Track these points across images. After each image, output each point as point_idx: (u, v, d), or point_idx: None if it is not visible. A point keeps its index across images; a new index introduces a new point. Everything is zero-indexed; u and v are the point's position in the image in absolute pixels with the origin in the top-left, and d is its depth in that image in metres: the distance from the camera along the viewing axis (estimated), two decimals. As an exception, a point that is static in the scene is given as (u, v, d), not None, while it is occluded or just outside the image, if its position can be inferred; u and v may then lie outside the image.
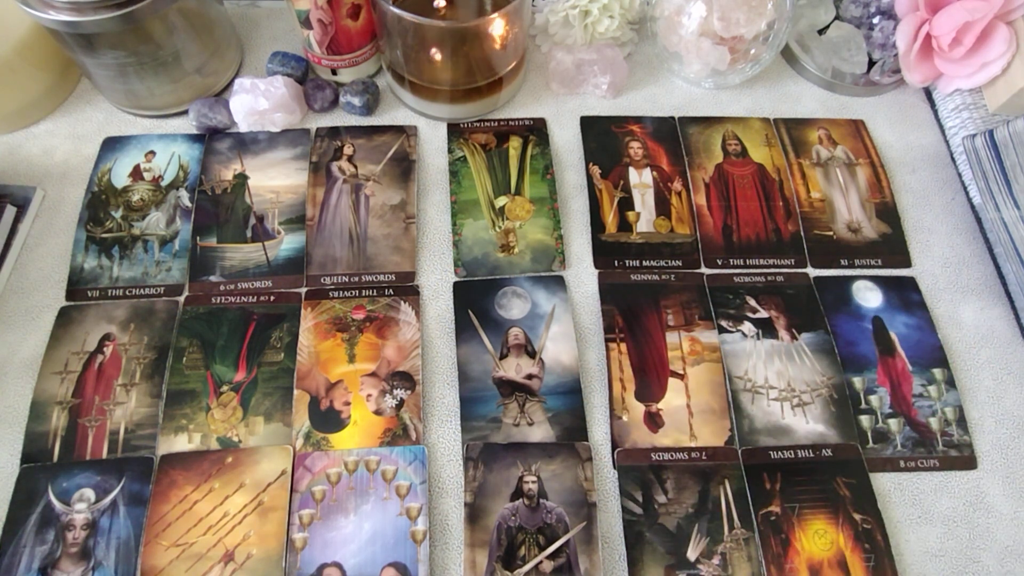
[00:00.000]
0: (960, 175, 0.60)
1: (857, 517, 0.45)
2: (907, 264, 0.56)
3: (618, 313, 0.52)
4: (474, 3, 0.58)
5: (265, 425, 0.47)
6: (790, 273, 0.55)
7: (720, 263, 0.55)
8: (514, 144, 0.59)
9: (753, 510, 0.45)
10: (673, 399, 0.49)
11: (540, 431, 0.47)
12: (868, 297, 0.54)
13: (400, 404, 0.48)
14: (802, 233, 0.57)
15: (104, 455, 0.46)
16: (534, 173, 0.58)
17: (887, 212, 0.58)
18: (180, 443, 0.46)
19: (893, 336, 0.52)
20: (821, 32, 0.65)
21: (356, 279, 0.53)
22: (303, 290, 0.52)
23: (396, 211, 0.55)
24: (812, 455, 0.47)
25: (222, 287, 0.52)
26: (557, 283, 0.53)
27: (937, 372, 0.51)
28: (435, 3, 0.55)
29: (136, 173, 0.56)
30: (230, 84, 0.60)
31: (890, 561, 0.44)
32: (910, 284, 0.55)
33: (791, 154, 0.60)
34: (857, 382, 0.50)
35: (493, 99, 0.59)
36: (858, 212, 0.58)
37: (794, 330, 0.52)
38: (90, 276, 0.52)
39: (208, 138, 0.58)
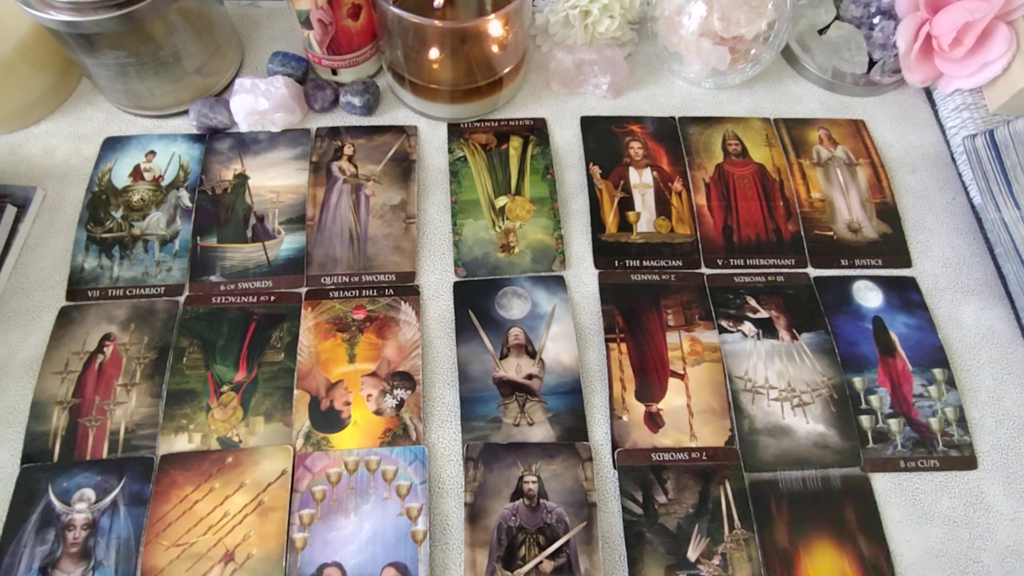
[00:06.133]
0: (960, 175, 0.60)
1: (864, 549, 0.45)
2: (907, 264, 0.56)
3: (618, 313, 0.52)
4: (474, 3, 0.58)
5: (265, 425, 0.47)
6: (790, 273, 0.55)
7: (720, 263, 0.55)
8: (514, 144, 0.59)
9: (759, 543, 0.44)
10: (673, 399, 0.49)
11: (540, 431, 0.47)
12: (868, 297, 0.54)
13: (400, 404, 0.48)
14: (802, 233, 0.57)
15: (104, 455, 0.46)
16: (534, 173, 0.58)
17: (887, 212, 0.58)
18: (180, 443, 0.46)
19: (893, 336, 0.52)
20: (821, 32, 0.65)
21: (356, 279, 0.53)
22: (303, 290, 0.52)
23: (396, 211, 0.55)
24: (820, 486, 0.47)
25: (222, 287, 0.52)
26: (557, 283, 0.53)
27: (937, 372, 0.51)
28: (435, 3, 0.55)
29: (136, 173, 0.56)
30: (230, 84, 0.60)
31: None
32: (910, 284, 0.55)
33: (791, 154, 0.60)
34: (857, 382, 0.50)
35: (493, 99, 0.59)
36: (858, 212, 0.58)
37: (794, 330, 0.52)
38: (90, 276, 0.52)
39: (208, 138, 0.58)
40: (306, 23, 0.55)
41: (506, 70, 0.57)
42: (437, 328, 0.52)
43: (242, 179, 0.56)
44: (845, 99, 0.64)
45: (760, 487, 0.46)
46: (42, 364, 0.48)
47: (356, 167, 0.57)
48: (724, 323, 0.52)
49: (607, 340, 0.51)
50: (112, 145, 0.58)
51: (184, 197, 0.55)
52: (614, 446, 0.47)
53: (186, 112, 0.58)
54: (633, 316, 0.52)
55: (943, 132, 0.63)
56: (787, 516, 0.45)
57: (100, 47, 0.51)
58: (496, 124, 0.60)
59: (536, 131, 0.60)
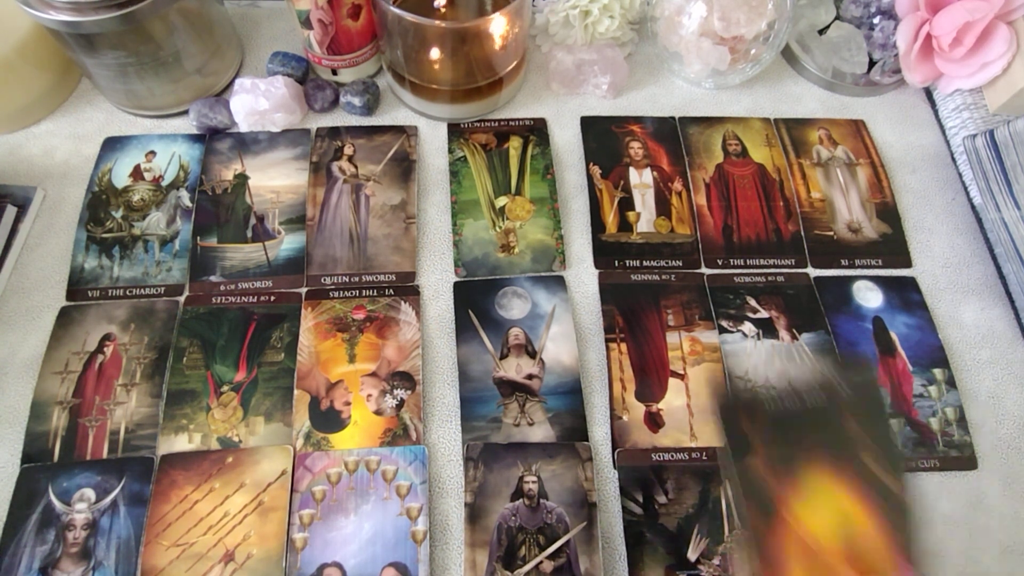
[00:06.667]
0: (960, 175, 0.60)
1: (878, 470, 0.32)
2: (907, 264, 0.56)
3: (618, 313, 0.52)
4: (474, 3, 0.58)
5: (265, 425, 0.47)
6: (790, 273, 0.55)
7: (720, 263, 0.55)
8: (514, 144, 0.59)
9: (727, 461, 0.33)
10: (673, 399, 0.49)
11: (540, 431, 0.47)
12: (868, 297, 0.54)
13: (400, 404, 0.48)
14: (802, 233, 0.57)
15: (104, 455, 0.46)
16: (534, 173, 0.58)
17: (887, 212, 0.58)
18: (180, 443, 0.46)
19: (893, 336, 0.52)
20: (821, 32, 0.65)
21: (356, 279, 0.53)
22: (303, 290, 0.52)
23: (396, 211, 0.55)
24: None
25: (222, 287, 0.52)
26: (557, 283, 0.53)
27: (937, 372, 0.51)
28: (435, 3, 0.55)
29: (136, 173, 0.56)
30: (230, 84, 0.60)
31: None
32: (910, 284, 0.55)
33: (791, 154, 0.60)
34: (857, 382, 0.50)
35: (493, 99, 0.59)
36: (858, 212, 0.58)
37: (794, 330, 0.52)
38: (90, 276, 0.52)
39: (208, 138, 0.58)
40: (306, 23, 0.54)
41: (506, 70, 0.57)
42: (437, 328, 0.52)
43: (242, 179, 0.56)
44: (845, 99, 0.64)
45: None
46: (42, 364, 0.48)
47: (356, 167, 0.57)
48: (724, 323, 0.52)
49: (607, 340, 0.51)
50: (112, 145, 0.58)
51: (184, 197, 0.55)
52: (614, 446, 0.47)
53: (186, 112, 0.58)
54: (633, 316, 0.52)
55: (943, 132, 0.63)
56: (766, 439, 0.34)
57: (100, 47, 0.51)
58: (496, 124, 0.60)
59: (536, 131, 0.60)
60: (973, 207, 0.59)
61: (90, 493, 0.44)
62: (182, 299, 0.51)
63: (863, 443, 0.29)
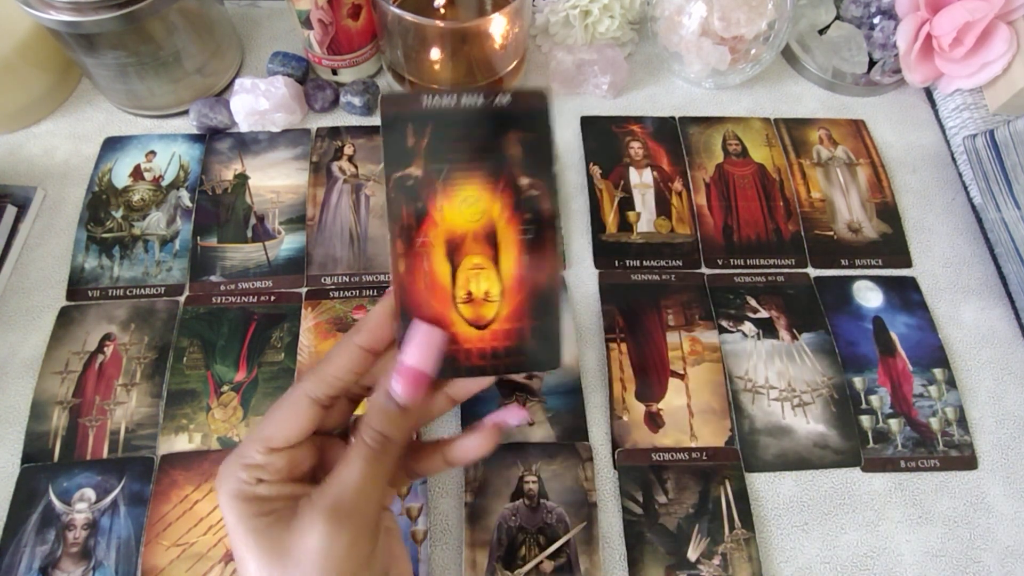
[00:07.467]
0: (961, 175, 0.60)
1: (524, 182, 0.31)
2: (908, 264, 0.56)
3: (618, 313, 0.52)
4: (474, 3, 0.58)
5: (265, 425, 0.47)
6: (790, 273, 0.55)
7: (720, 263, 0.55)
8: (514, 144, 0.59)
9: (386, 173, 0.31)
10: (673, 399, 0.49)
11: (540, 431, 0.47)
12: (869, 297, 0.54)
13: (400, 404, 0.48)
14: (802, 233, 0.57)
15: (104, 455, 0.46)
16: (534, 173, 0.58)
17: (888, 212, 0.58)
18: (180, 443, 0.46)
19: (894, 336, 0.52)
20: (821, 32, 0.65)
21: (356, 279, 0.53)
22: (303, 290, 0.52)
23: (396, 211, 0.55)
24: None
25: (222, 287, 0.52)
26: (557, 283, 0.53)
27: (938, 372, 0.51)
28: (435, 3, 0.55)
29: (137, 173, 0.56)
30: (231, 84, 0.60)
31: (554, 233, 0.32)
32: (911, 284, 0.55)
33: (791, 154, 0.60)
34: (858, 382, 0.50)
35: (493, 99, 0.59)
36: (858, 212, 0.58)
37: (795, 330, 0.52)
38: (91, 276, 0.52)
39: (208, 138, 0.58)
40: (306, 23, 0.54)
41: (506, 70, 0.57)
42: (437, 328, 0.52)
43: (242, 179, 0.56)
44: (845, 99, 0.64)
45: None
46: (42, 364, 0.48)
47: (356, 167, 0.57)
48: (724, 323, 0.52)
49: (607, 340, 0.51)
50: (112, 145, 0.58)
51: (184, 197, 0.55)
52: (614, 446, 0.47)
53: (186, 112, 0.58)
54: (633, 316, 0.52)
55: (943, 132, 0.63)
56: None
57: (100, 47, 0.51)
58: (496, 124, 0.60)
59: (536, 131, 0.60)
60: (973, 207, 0.59)
61: (90, 493, 0.44)
62: (182, 299, 0.51)
63: (519, 167, 0.31)
